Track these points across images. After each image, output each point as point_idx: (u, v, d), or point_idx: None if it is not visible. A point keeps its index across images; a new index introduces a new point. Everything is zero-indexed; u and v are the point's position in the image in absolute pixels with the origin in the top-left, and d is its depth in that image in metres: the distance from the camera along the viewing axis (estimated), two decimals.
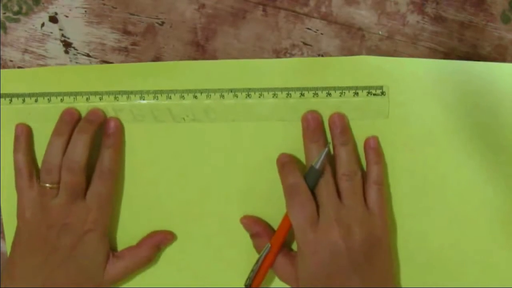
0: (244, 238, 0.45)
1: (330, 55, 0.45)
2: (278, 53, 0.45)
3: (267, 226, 0.44)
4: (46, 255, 0.42)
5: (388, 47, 0.44)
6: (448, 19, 0.44)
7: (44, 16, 0.47)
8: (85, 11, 0.46)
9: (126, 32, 0.46)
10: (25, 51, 0.47)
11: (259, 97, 0.44)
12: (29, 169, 0.45)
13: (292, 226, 0.41)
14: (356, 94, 0.43)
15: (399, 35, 0.44)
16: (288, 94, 0.43)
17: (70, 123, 0.44)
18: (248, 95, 0.44)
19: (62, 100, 0.45)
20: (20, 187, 0.45)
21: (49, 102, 0.45)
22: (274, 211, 0.44)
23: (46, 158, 0.44)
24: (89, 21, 0.46)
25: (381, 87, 0.43)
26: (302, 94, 0.43)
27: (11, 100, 0.46)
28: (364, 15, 0.44)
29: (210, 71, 0.44)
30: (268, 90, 0.44)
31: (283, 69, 0.44)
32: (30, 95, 0.46)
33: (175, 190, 0.45)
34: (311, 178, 0.41)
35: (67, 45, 0.47)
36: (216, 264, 0.45)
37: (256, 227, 0.44)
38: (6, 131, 0.46)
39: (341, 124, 0.43)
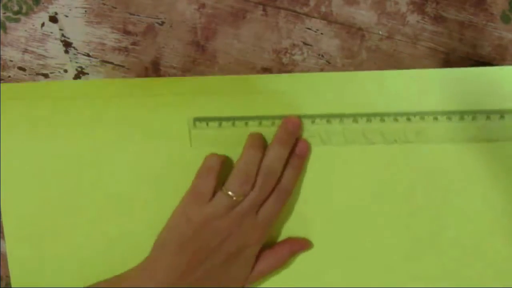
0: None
1: (330, 55, 0.45)
2: (278, 53, 0.45)
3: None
4: (199, 261, 0.42)
5: (388, 47, 0.44)
6: (448, 19, 0.44)
7: (44, 16, 0.47)
8: (85, 11, 0.46)
9: (126, 32, 0.46)
10: (25, 51, 0.47)
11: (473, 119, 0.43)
12: (217, 174, 0.43)
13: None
14: None
15: (399, 35, 0.44)
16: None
17: (263, 141, 0.44)
18: (462, 118, 0.43)
19: (246, 124, 0.45)
20: (199, 188, 0.43)
21: (233, 126, 0.45)
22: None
23: (241, 169, 0.42)
24: (89, 21, 0.46)
25: None
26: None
27: (207, 124, 0.45)
28: (364, 15, 0.44)
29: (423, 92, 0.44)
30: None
31: None
32: (222, 118, 0.45)
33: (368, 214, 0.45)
34: None
35: (67, 45, 0.47)
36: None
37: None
38: (6, 131, 0.46)
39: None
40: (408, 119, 0.44)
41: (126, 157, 0.46)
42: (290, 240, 0.45)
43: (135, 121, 0.46)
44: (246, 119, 0.45)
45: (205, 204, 0.42)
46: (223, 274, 0.42)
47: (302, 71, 0.45)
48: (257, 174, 0.42)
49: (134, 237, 0.46)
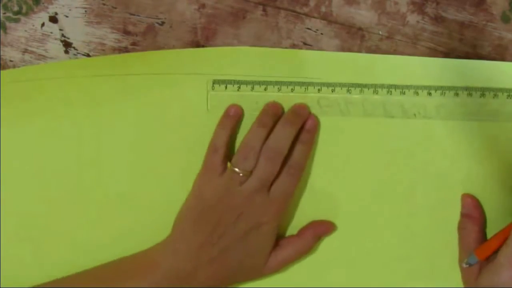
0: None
1: None
2: None
3: (482, 214, 0.43)
4: (216, 237, 0.42)
5: (388, 47, 0.44)
6: (448, 19, 0.44)
7: (44, 16, 0.47)
8: (85, 11, 0.46)
9: (126, 32, 0.46)
10: (25, 51, 0.47)
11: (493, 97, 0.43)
12: (227, 148, 0.44)
13: None
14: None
15: (399, 35, 0.44)
16: None
17: (274, 116, 0.44)
18: (483, 95, 0.43)
19: (265, 89, 0.45)
20: (212, 163, 0.43)
21: (252, 90, 0.45)
22: None
23: (245, 144, 0.43)
24: (89, 21, 0.46)
25: None
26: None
27: (226, 87, 0.45)
28: (364, 15, 0.44)
29: (444, 68, 0.43)
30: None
31: None
32: (241, 82, 0.45)
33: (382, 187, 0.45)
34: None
35: (67, 45, 0.47)
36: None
37: (474, 211, 0.43)
38: (6, 131, 0.46)
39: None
40: (429, 94, 0.43)
41: (137, 129, 0.46)
42: (314, 223, 0.45)
43: (145, 92, 0.45)
44: (265, 84, 0.44)
45: (215, 180, 0.43)
46: (241, 250, 0.42)
47: None
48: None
49: (139, 235, 0.46)
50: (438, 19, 0.44)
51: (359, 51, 0.44)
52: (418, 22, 0.44)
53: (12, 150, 0.46)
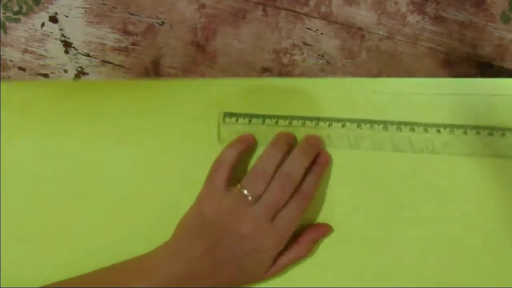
0: None
1: (330, 55, 0.45)
2: (278, 53, 0.45)
3: None
4: (214, 252, 0.42)
5: (388, 47, 0.44)
6: (448, 19, 0.44)
7: (44, 16, 0.47)
8: (85, 11, 0.46)
9: (126, 32, 0.46)
10: (25, 51, 0.47)
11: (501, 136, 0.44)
12: (231, 168, 0.43)
13: None
14: None
15: (399, 35, 0.44)
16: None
17: (288, 143, 0.44)
18: (491, 133, 0.44)
19: (276, 123, 0.45)
20: (214, 182, 0.43)
21: (263, 123, 0.45)
22: None
23: (258, 167, 0.42)
24: (89, 21, 0.46)
25: None
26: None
27: (237, 120, 0.45)
28: (364, 15, 0.44)
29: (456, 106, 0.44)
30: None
31: None
32: (251, 116, 0.45)
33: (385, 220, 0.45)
34: None
35: (67, 45, 0.47)
36: None
37: None
38: (6, 131, 0.46)
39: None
40: (438, 131, 0.44)
41: (145, 155, 0.46)
42: (311, 227, 0.45)
43: (157, 120, 0.46)
44: (276, 117, 0.45)
45: (218, 198, 0.42)
46: (240, 267, 0.42)
47: (302, 71, 0.45)
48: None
49: (139, 237, 0.46)
50: (438, 19, 0.44)
51: (359, 51, 0.44)
52: (418, 22, 0.44)
53: (13, 152, 0.47)
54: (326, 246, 0.45)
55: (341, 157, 0.45)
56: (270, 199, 0.42)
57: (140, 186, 0.46)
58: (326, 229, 0.45)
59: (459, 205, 0.44)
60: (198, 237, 0.42)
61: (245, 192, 0.42)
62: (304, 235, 0.44)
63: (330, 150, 0.45)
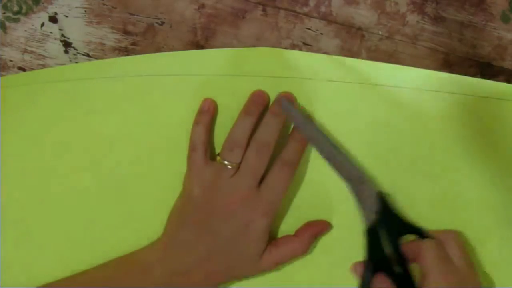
0: None
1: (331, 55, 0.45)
2: None
3: None
4: (205, 237, 0.42)
5: (388, 47, 0.44)
6: (448, 19, 0.44)
7: (44, 16, 0.47)
8: (85, 11, 0.46)
9: (126, 32, 0.46)
10: (25, 51, 0.47)
11: None
12: (206, 144, 0.43)
13: None
14: None
15: (399, 35, 0.44)
16: None
17: (261, 105, 0.43)
18: None
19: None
20: (194, 161, 0.43)
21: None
22: None
23: (232, 136, 0.42)
24: (89, 21, 0.46)
25: None
26: None
27: None
28: (364, 15, 0.44)
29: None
30: None
31: None
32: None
33: None
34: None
35: (67, 45, 0.47)
36: None
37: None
38: (6, 131, 0.46)
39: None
40: None
41: (138, 132, 0.46)
42: (310, 223, 0.44)
43: (147, 93, 0.46)
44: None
45: (200, 176, 0.42)
46: (232, 250, 0.42)
47: None
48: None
49: (139, 236, 0.46)
50: (438, 19, 0.44)
51: (359, 51, 0.44)
52: (418, 22, 0.44)
53: (12, 151, 0.47)
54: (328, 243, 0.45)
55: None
56: (248, 168, 0.42)
57: (140, 184, 0.46)
58: (324, 226, 0.44)
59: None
60: (188, 225, 0.42)
61: (226, 162, 0.42)
62: (303, 230, 0.44)
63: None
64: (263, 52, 0.44)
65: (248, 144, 0.42)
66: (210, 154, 0.43)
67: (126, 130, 0.46)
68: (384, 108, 0.44)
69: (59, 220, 0.47)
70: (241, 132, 0.42)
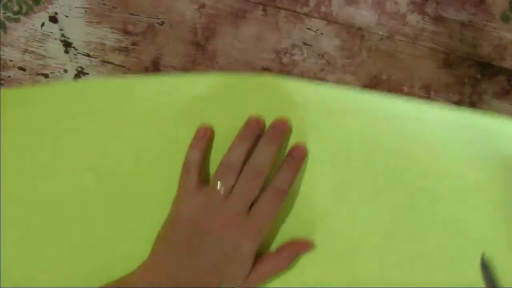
0: None
1: (330, 55, 0.45)
2: (278, 53, 0.45)
3: None
4: (193, 260, 0.42)
5: (388, 47, 0.44)
6: (448, 19, 0.44)
7: (44, 16, 0.47)
8: (85, 11, 0.46)
9: (126, 32, 0.46)
10: (25, 51, 0.47)
11: None
12: (199, 167, 0.43)
13: None
14: None
15: (399, 35, 0.44)
16: None
17: (256, 130, 0.43)
18: None
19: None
20: (186, 184, 0.43)
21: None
22: None
23: (226, 160, 0.42)
24: (89, 21, 0.46)
25: None
26: None
27: None
28: (364, 15, 0.44)
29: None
30: None
31: None
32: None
33: None
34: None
35: (67, 45, 0.47)
36: None
37: None
38: (6, 130, 0.46)
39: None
40: None
41: (146, 154, 0.46)
42: (293, 241, 0.45)
43: (155, 117, 0.46)
44: None
45: (191, 200, 0.42)
46: (219, 274, 0.42)
47: (302, 71, 0.45)
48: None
49: (138, 237, 0.46)
50: (438, 19, 0.44)
51: (359, 51, 0.44)
52: (418, 22, 0.44)
53: (12, 151, 0.47)
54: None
55: (320, 147, 0.44)
56: (240, 192, 0.42)
57: (140, 184, 0.46)
58: (307, 245, 0.45)
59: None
60: (176, 247, 0.42)
61: (219, 187, 0.42)
62: (285, 247, 0.44)
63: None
64: (264, 81, 0.44)
65: (242, 169, 0.42)
66: (204, 176, 0.44)
67: (126, 130, 0.46)
68: (385, 139, 0.44)
69: (59, 220, 0.47)
70: (236, 157, 0.42)
